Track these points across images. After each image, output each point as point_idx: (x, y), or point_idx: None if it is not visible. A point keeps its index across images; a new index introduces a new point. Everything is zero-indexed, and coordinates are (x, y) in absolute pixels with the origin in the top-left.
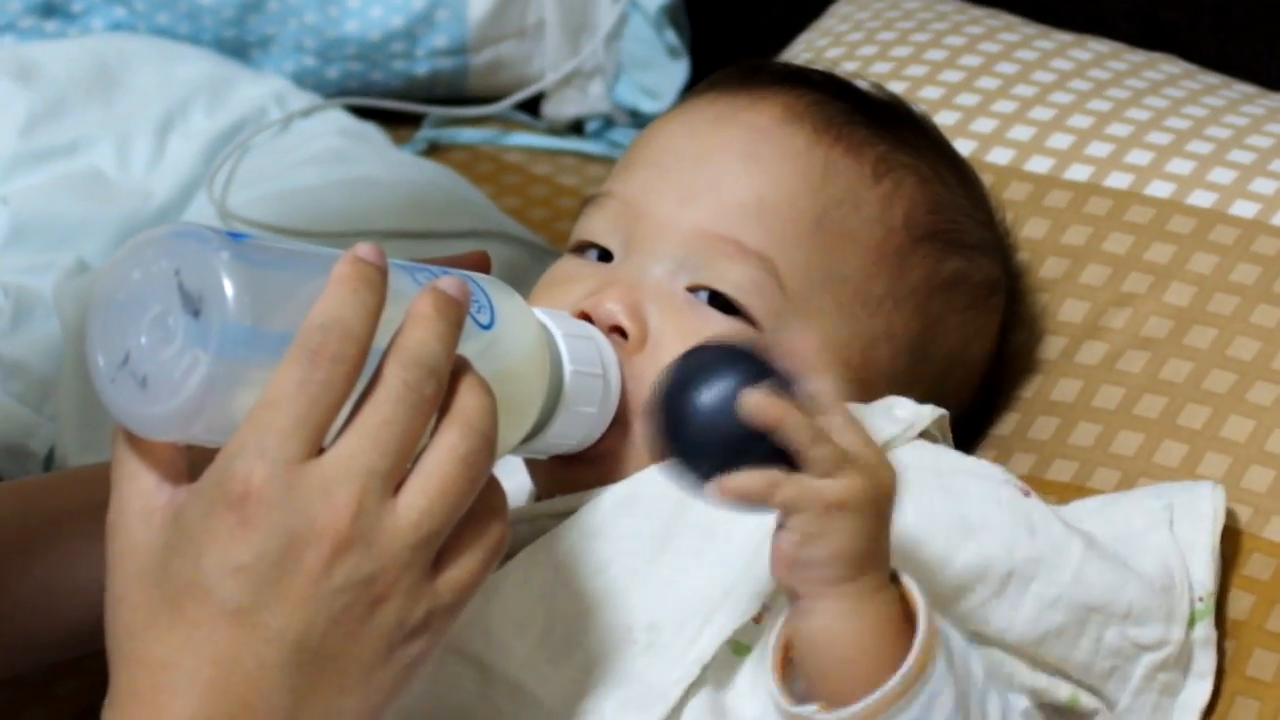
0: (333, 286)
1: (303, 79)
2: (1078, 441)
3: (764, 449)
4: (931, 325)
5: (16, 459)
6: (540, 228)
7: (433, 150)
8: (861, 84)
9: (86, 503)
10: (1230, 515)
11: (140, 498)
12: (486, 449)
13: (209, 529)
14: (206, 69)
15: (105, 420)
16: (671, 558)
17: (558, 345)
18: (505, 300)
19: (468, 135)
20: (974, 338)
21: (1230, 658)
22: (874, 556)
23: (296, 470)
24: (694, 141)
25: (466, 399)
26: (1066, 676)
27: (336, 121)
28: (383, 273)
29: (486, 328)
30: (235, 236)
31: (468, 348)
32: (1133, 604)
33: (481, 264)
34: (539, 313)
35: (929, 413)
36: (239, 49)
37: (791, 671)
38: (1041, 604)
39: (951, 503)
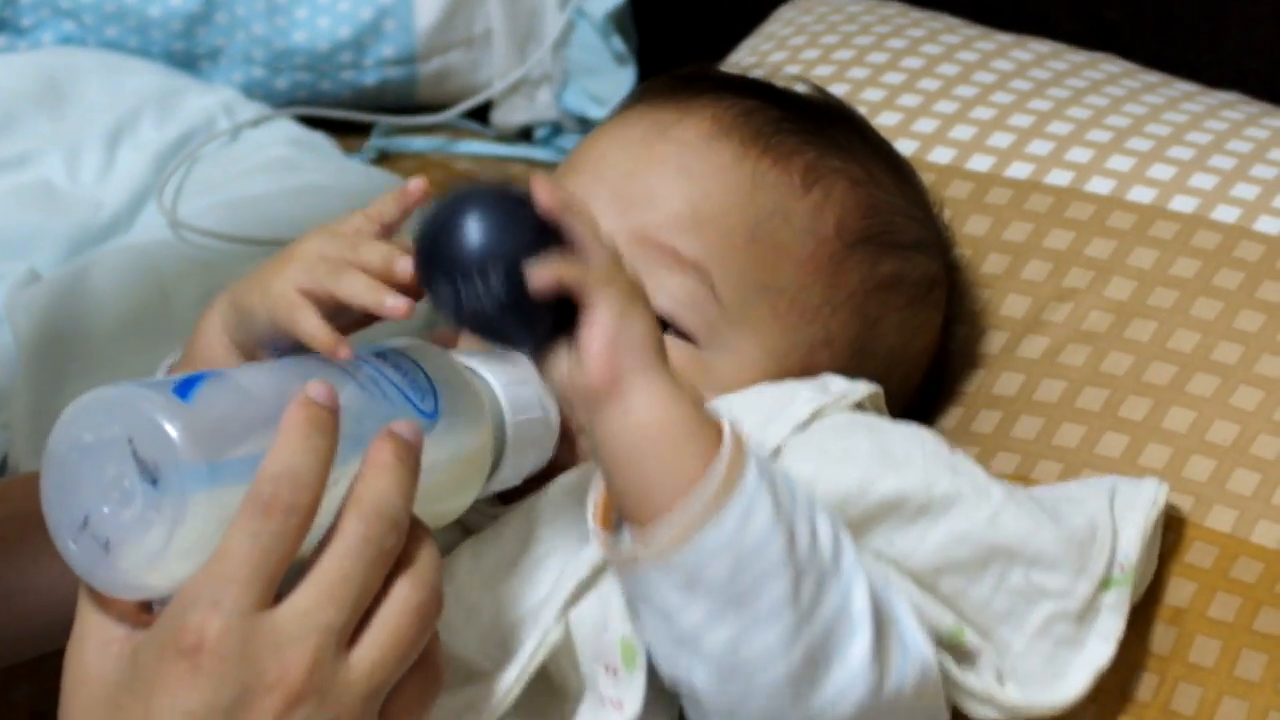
0: (284, 435)
1: (252, 90)
2: (1020, 434)
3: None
4: (870, 326)
5: None
6: None
7: (382, 159)
8: (799, 87)
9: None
10: (1172, 505)
11: (101, 630)
12: (436, 601)
13: (161, 673)
14: (155, 81)
15: None
16: None
17: (498, 399)
18: (441, 372)
19: (417, 143)
20: (915, 334)
21: (1173, 644)
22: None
23: (251, 622)
24: (627, 156)
25: (420, 551)
26: (958, 611)
27: (286, 131)
28: (333, 414)
29: (432, 416)
30: (182, 388)
31: None
32: (1043, 550)
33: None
34: (475, 364)
35: (863, 388)
36: (188, 61)
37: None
38: (950, 538)
39: (876, 440)
